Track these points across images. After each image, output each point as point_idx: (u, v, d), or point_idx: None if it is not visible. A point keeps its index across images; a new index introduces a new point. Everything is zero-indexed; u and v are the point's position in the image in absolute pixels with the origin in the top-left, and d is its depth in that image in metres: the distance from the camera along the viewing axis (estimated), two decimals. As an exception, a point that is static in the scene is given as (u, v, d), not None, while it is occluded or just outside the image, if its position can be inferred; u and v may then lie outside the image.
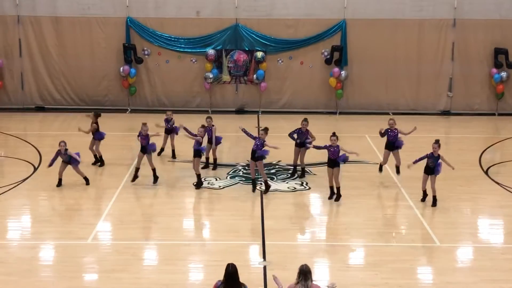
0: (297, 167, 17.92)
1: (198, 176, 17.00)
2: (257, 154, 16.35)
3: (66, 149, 16.48)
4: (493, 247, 13.87)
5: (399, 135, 17.30)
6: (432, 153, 15.59)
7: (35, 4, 25.02)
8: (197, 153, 16.89)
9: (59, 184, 16.83)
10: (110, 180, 17.61)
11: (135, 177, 17.14)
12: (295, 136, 17.50)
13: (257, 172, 16.87)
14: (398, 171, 17.54)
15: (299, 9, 25.11)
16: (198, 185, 16.95)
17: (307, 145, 17.17)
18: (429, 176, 15.75)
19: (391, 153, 17.40)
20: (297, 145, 17.61)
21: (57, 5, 25.00)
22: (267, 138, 16.58)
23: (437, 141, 15.60)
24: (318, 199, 16.51)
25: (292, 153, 17.78)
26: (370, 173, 18.07)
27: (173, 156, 19.40)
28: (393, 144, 17.31)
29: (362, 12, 25.05)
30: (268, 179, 17.18)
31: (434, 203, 15.77)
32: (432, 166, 15.64)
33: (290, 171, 18.13)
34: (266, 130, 16.70)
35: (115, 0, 25.07)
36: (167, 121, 19.30)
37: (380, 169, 17.82)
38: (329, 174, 16.14)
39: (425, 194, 15.98)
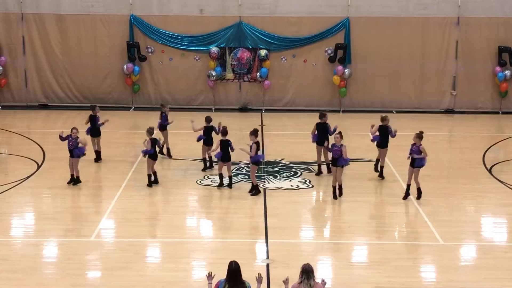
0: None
1: (230, 177, 16.77)
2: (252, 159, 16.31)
3: (77, 137, 16.51)
4: (497, 246, 13.86)
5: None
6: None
7: (38, 2, 25.03)
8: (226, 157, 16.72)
9: (72, 181, 16.76)
10: (113, 177, 17.63)
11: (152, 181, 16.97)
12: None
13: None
14: (381, 173, 17.40)
15: (302, 7, 25.06)
16: (229, 185, 16.75)
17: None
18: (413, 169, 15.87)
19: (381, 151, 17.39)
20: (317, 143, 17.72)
21: (60, 2, 25.02)
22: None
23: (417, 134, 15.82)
24: (321, 197, 16.49)
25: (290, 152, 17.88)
26: (373, 171, 18.02)
27: (168, 153, 19.13)
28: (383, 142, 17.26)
29: (365, 10, 25.01)
30: (271, 177, 17.30)
31: (418, 196, 15.96)
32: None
33: (292, 170, 18.22)
34: (253, 132, 16.46)
35: (118, -2, 25.13)
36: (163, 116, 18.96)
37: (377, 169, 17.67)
38: (333, 173, 16.18)
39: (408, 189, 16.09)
